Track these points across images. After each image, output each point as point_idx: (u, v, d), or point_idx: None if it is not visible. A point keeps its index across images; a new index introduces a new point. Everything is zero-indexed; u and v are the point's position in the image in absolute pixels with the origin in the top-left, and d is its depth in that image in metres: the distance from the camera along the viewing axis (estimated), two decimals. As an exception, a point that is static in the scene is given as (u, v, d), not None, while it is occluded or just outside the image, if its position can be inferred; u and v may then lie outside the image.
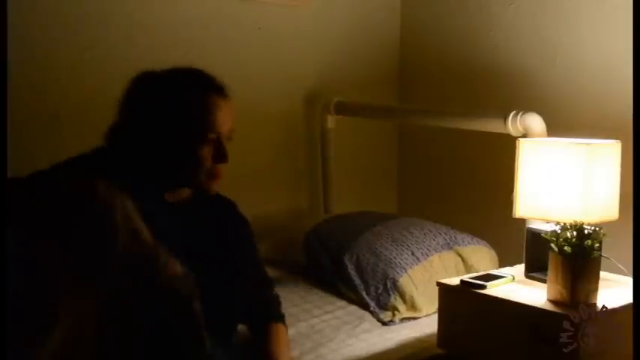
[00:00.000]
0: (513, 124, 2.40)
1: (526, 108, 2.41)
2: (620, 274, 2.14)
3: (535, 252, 2.16)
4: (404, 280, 2.39)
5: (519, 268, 2.24)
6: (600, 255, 1.94)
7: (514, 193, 2.17)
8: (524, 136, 2.35)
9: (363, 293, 2.43)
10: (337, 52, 3.12)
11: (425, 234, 2.58)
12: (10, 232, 1.27)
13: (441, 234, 2.60)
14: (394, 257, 2.46)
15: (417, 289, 2.39)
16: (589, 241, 1.91)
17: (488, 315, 2.05)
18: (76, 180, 1.36)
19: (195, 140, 1.70)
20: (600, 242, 1.93)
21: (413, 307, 2.38)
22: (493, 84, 2.92)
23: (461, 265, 2.52)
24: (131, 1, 2.56)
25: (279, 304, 1.96)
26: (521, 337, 1.95)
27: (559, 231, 1.95)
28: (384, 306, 2.38)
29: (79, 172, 1.51)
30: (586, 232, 1.93)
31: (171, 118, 1.69)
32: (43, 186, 1.36)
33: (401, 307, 2.37)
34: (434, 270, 2.45)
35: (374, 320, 2.35)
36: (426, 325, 2.34)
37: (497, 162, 2.55)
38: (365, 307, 2.41)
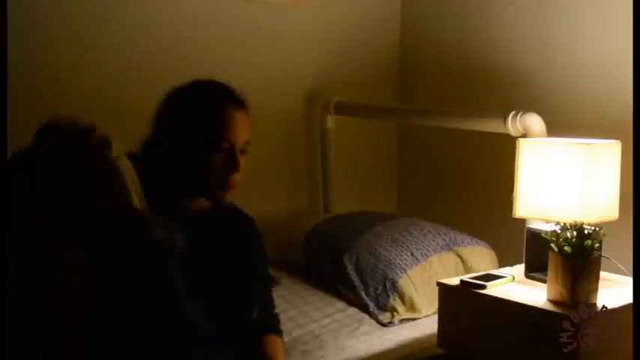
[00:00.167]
0: (513, 124, 2.40)
1: (526, 108, 2.41)
2: (620, 274, 2.14)
3: (535, 252, 2.16)
4: (403, 281, 2.39)
5: (519, 268, 2.24)
6: (600, 255, 1.94)
7: (514, 193, 2.17)
8: (524, 136, 2.35)
9: (363, 294, 2.42)
10: (337, 51, 3.12)
11: (424, 235, 2.58)
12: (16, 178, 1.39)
13: (440, 235, 2.59)
14: (393, 258, 2.46)
15: (416, 290, 2.39)
16: (589, 241, 1.91)
17: (488, 315, 2.05)
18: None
19: (208, 149, 1.73)
20: (600, 242, 1.93)
21: (412, 308, 2.38)
22: (493, 84, 2.92)
23: (460, 266, 2.52)
24: (133, 2, 2.56)
25: (278, 321, 1.97)
26: (521, 337, 1.95)
27: (559, 231, 1.95)
28: (383, 307, 2.38)
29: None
30: (586, 232, 1.93)
31: (187, 127, 1.74)
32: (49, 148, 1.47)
33: (400, 308, 2.37)
34: (433, 271, 2.45)
35: (373, 322, 2.35)
36: (425, 325, 2.34)
37: (497, 162, 2.55)
38: (364, 308, 2.41)
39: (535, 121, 2.37)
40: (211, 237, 1.80)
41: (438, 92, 3.16)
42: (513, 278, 2.16)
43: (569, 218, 1.97)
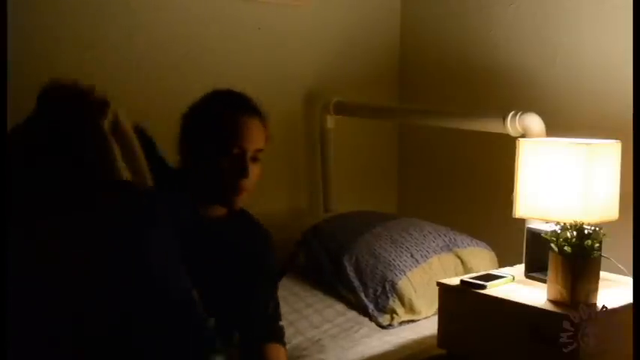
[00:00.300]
0: (512, 125, 2.40)
1: (526, 108, 2.41)
2: (620, 274, 2.14)
3: (535, 252, 2.16)
4: (403, 283, 2.39)
5: (519, 268, 2.24)
6: (600, 255, 1.94)
7: (514, 193, 2.17)
8: (523, 136, 2.35)
9: (362, 295, 2.42)
10: (337, 51, 3.12)
11: (424, 235, 2.57)
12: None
13: (440, 236, 2.59)
14: (393, 259, 2.45)
15: (415, 291, 2.39)
16: (589, 241, 1.91)
17: (488, 315, 2.05)
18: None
19: (219, 154, 1.78)
20: (600, 242, 1.93)
21: (411, 309, 2.38)
22: (493, 84, 2.92)
23: (460, 267, 2.52)
24: (133, 2, 2.56)
25: (283, 334, 1.99)
26: (521, 337, 1.95)
27: (559, 231, 1.95)
28: (382, 308, 2.37)
29: None
30: (586, 232, 1.93)
31: (201, 133, 1.81)
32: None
33: (399, 309, 2.37)
34: (433, 272, 2.45)
35: (373, 324, 2.35)
36: (425, 327, 2.34)
37: (497, 162, 2.55)
38: (364, 309, 2.40)
39: (534, 121, 2.37)
40: (223, 244, 1.85)
41: (438, 92, 3.16)
42: (513, 278, 2.16)
43: (569, 218, 1.97)
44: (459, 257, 2.54)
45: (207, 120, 1.81)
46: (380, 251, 2.49)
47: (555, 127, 2.37)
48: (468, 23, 3.02)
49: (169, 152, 1.85)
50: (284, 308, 2.22)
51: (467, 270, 2.50)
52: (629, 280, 2.07)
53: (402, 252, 2.48)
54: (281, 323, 1.99)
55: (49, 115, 1.52)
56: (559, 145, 2.11)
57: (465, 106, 2.97)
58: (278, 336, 1.95)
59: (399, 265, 2.43)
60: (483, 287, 2.06)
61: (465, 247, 2.58)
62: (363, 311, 2.40)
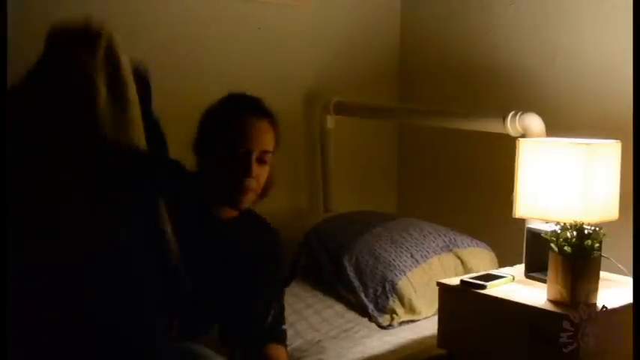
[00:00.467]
0: (512, 125, 2.40)
1: (526, 108, 2.41)
2: (620, 274, 2.14)
3: (535, 252, 2.16)
4: (403, 284, 2.39)
5: (519, 268, 2.24)
6: (600, 255, 1.94)
7: (514, 193, 2.17)
8: (523, 136, 2.35)
9: (362, 295, 2.42)
10: (337, 51, 3.12)
11: (424, 236, 2.57)
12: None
13: (440, 236, 2.59)
14: (393, 260, 2.45)
15: (415, 292, 2.39)
16: (589, 241, 1.91)
17: (488, 315, 2.05)
18: None
19: (225, 154, 1.81)
20: (600, 242, 1.93)
21: (411, 310, 2.38)
22: (493, 84, 2.92)
23: (460, 268, 2.52)
24: (134, 2, 2.56)
25: (285, 337, 2.00)
26: (521, 337, 1.95)
27: (559, 231, 1.95)
28: (382, 309, 2.37)
29: None
30: (586, 232, 1.93)
31: (210, 135, 1.86)
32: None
33: (399, 310, 2.37)
34: (433, 272, 2.44)
35: (373, 325, 2.35)
36: (425, 327, 2.34)
37: (497, 162, 2.55)
38: (363, 309, 2.40)
39: (534, 121, 2.37)
40: (229, 245, 1.87)
41: (438, 92, 3.16)
42: (513, 278, 2.16)
43: (569, 218, 1.97)
44: (458, 257, 2.54)
45: (216, 121, 1.86)
46: (380, 251, 2.49)
47: (555, 127, 2.37)
48: (468, 23, 3.02)
49: (169, 153, 1.85)
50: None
51: (467, 270, 2.50)
52: (629, 280, 2.07)
53: (402, 252, 2.48)
54: (284, 327, 2.01)
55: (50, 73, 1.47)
56: (559, 145, 2.11)
57: (465, 106, 2.97)
58: (280, 338, 1.97)
59: (399, 265, 2.43)
60: (483, 287, 2.06)
61: (465, 247, 2.58)
62: (363, 311, 2.40)
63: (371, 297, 2.40)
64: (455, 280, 2.16)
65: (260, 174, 1.85)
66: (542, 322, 1.91)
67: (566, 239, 1.92)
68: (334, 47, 3.11)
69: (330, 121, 3.05)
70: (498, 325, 2.02)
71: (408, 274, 2.42)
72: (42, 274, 1.35)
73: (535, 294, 2.03)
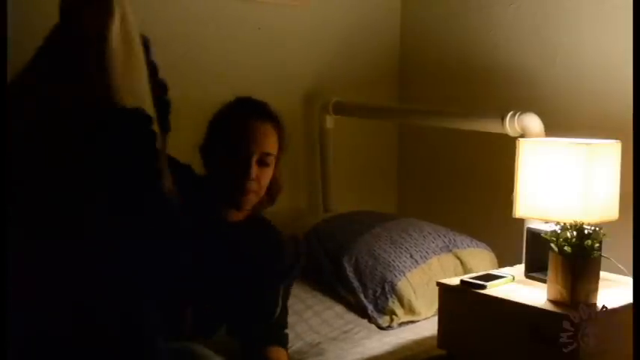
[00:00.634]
0: (511, 125, 2.39)
1: (526, 108, 2.40)
2: (620, 274, 2.14)
3: (535, 252, 2.16)
4: (402, 284, 2.39)
5: (519, 268, 2.24)
6: (600, 255, 1.94)
7: (514, 193, 2.17)
8: (522, 136, 2.35)
9: (361, 296, 2.42)
10: (336, 51, 3.12)
11: (424, 236, 2.57)
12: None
13: (440, 236, 2.59)
14: (392, 260, 2.45)
15: (415, 292, 2.39)
16: (589, 241, 1.90)
17: (488, 315, 2.05)
18: None
19: (226, 155, 1.84)
20: (600, 242, 1.93)
21: (411, 311, 2.38)
22: (493, 84, 2.92)
23: (460, 268, 2.51)
24: (132, 1, 2.55)
25: (287, 341, 2.02)
26: (521, 337, 1.94)
27: (559, 231, 1.95)
28: (382, 310, 2.37)
29: None
30: (586, 232, 1.93)
31: (213, 136, 1.90)
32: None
33: (399, 310, 2.36)
34: (432, 273, 2.44)
35: (372, 326, 2.35)
36: (424, 328, 2.33)
37: (497, 162, 2.55)
38: (363, 310, 2.40)
39: (533, 122, 2.36)
40: (234, 247, 1.90)
41: (437, 92, 3.15)
42: (513, 278, 2.16)
43: (569, 218, 1.97)
44: (458, 258, 2.54)
45: (219, 124, 1.90)
46: (379, 252, 2.49)
47: (555, 127, 2.37)
48: (468, 23, 3.01)
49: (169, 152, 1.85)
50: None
51: (466, 271, 2.49)
52: (629, 280, 2.07)
53: (401, 253, 2.48)
54: (286, 330, 2.02)
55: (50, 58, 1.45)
56: (559, 145, 2.11)
57: (466, 107, 2.97)
58: (282, 341, 1.99)
59: (398, 265, 2.43)
60: (483, 287, 2.06)
61: (465, 247, 2.58)
62: (363, 312, 2.40)
63: (370, 298, 2.40)
64: (455, 280, 2.15)
65: (261, 176, 1.87)
66: (542, 322, 1.91)
67: (566, 239, 1.92)
68: (333, 47, 3.11)
69: (330, 121, 3.05)
70: (498, 325, 2.02)
71: (408, 274, 2.41)
72: (45, 262, 1.34)
73: (535, 294, 2.03)
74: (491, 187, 2.84)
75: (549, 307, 1.94)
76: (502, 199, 2.29)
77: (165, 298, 1.49)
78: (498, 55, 2.91)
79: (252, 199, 1.88)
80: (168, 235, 1.43)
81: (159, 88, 1.56)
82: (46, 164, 1.35)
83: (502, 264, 2.50)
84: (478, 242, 2.62)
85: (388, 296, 2.37)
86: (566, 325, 1.81)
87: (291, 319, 2.28)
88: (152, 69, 1.57)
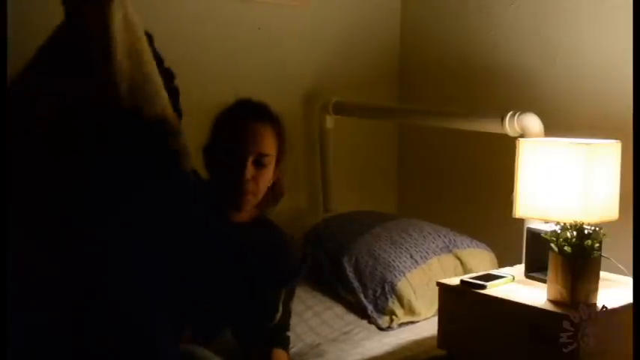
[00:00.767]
0: (510, 125, 2.40)
1: (526, 108, 2.41)
2: (620, 274, 2.14)
3: (535, 252, 2.16)
4: (402, 285, 2.38)
5: (519, 268, 2.24)
6: (600, 255, 1.94)
7: (514, 193, 2.17)
8: (522, 136, 2.35)
9: (361, 296, 2.42)
10: (336, 51, 3.12)
11: (424, 236, 2.57)
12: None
13: (440, 236, 2.59)
14: (392, 260, 2.45)
15: (415, 293, 2.38)
16: (589, 241, 1.90)
17: (488, 315, 2.05)
18: None
19: (224, 155, 1.86)
20: (600, 242, 1.93)
21: (411, 311, 2.38)
22: (493, 84, 2.92)
23: (460, 269, 2.51)
24: (134, 1, 2.55)
25: (288, 343, 2.02)
26: (521, 337, 1.95)
27: (559, 231, 1.95)
28: (381, 310, 2.37)
29: None
30: (586, 232, 1.93)
31: (214, 138, 1.92)
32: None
33: (399, 311, 2.36)
34: (432, 273, 2.44)
35: (372, 327, 2.35)
36: (424, 328, 2.33)
37: (497, 162, 2.55)
38: (363, 310, 2.40)
39: (533, 122, 2.36)
40: (237, 249, 1.88)
41: (437, 92, 3.15)
42: (513, 278, 2.16)
43: (569, 218, 1.97)
44: (458, 258, 2.54)
45: (219, 126, 1.92)
46: (379, 252, 2.48)
47: (555, 127, 2.37)
48: (468, 23, 3.01)
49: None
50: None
51: (466, 271, 2.49)
52: (629, 280, 2.07)
53: (401, 253, 2.48)
54: (288, 333, 2.02)
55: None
56: (559, 145, 2.11)
57: (466, 107, 2.97)
58: (284, 344, 1.99)
59: (398, 266, 2.43)
60: (483, 287, 2.06)
61: (465, 248, 2.58)
62: (363, 313, 2.39)
63: (370, 298, 2.40)
64: (455, 280, 2.15)
65: (259, 177, 1.87)
66: (542, 322, 1.91)
67: (566, 239, 1.92)
68: (333, 47, 3.11)
69: (330, 121, 3.05)
70: (498, 325, 2.02)
71: (408, 274, 2.41)
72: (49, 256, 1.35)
73: (535, 294, 2.03)
74: (491, 187, 2.84)
75: (549, 307, 1.94)
76: (502, 199, 2.29)
77: (169, 298, 1.50)
78: (498, 55, 2.91)
79: (250, 200, 1.88)
80: (188, 213, 1.45)
81: (166, 76, 1.57)
82: (52, 162, 1.36)
83: (502, 264, 2.50)
84: (478, 242, 2.62)
85: (388, 296, 2.37)
86: (566, 325, 1.81)
87: (291, 320, 2.29)
88: (158, 60, 1.58)
